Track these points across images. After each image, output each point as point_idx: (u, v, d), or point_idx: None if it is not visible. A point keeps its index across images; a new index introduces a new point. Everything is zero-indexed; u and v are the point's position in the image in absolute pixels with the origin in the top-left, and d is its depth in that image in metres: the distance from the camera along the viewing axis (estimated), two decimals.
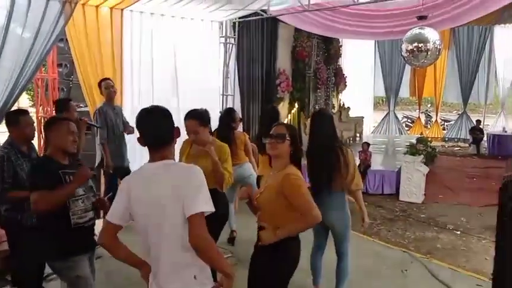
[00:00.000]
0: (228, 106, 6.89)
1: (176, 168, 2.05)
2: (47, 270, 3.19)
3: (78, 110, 6.41)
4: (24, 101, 14.30)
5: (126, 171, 5.15)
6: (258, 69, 7.83)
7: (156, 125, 2.05)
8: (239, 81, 7.27)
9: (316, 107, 10.08)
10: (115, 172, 4.97)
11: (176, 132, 2.08)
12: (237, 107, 6.96)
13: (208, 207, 1.93)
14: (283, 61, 8.56)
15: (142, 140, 2.06)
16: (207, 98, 6.51)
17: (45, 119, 3.66)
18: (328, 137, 3.44)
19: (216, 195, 3.41)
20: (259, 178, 3.98)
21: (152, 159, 2.06)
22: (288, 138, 2.52)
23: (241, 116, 6.62)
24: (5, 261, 3.59)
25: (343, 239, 3.53)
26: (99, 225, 2.48)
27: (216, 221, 3.39)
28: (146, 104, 5.89)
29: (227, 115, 4.81)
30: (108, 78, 5.10)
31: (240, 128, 5.41)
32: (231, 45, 6.97)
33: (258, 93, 7.88)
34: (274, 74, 8.16)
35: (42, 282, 3.60)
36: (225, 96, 7.02)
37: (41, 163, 2.82)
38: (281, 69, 8.35)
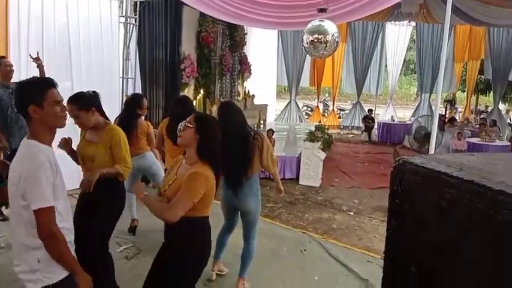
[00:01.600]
0: (128, 89, 6.60)
1: (25, 153, 2.00)
2: None
3: None
4: None
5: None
6: (162, 53, 7.57)
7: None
8: (140, 64, 6.98)
9: (224, 95, 10.10)
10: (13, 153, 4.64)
11: (32, 110, 1.97)
12: (138, 91, 6.69)
13: (44, 203, 1.91)
14: (188, 46, 8.39)
15: None
16: (105, 81, 6.16)
17: None
18: (242, 125, 3.48)
19: (114, 186, 3.26)
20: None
21: None
22: (189, 125, 2.42)
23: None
24: None
25: (254, 224, 3.62)
26: None
27: (112, 212, 3.24)
28: None
29: (133, 101, 4.57)
30: (4, 57, 4.78)
31: None
32: (131, 25, 6.64)
33: (161, 78, 7.63)
34: (178, 58, 7.96)
35: None
36: (125, 80, 6.69)
37: None
38: (186, 54, 8.17)
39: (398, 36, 14.25)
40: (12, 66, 4.75)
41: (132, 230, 4.73)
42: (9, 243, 4.34)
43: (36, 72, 4.89)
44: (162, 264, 2.56)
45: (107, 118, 3.24)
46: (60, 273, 2.01)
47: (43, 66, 4.80)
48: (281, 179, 7.57)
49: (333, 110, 15.53)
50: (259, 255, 4.09)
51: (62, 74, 5.62)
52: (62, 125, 2.08)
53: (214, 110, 9.20)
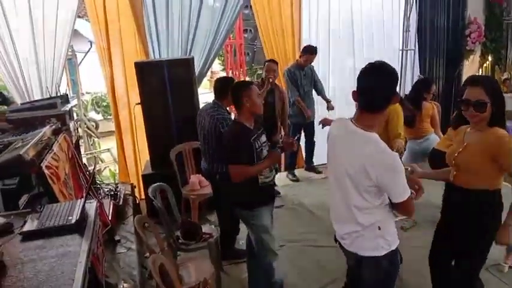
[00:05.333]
0: (407, 62, 6.54)
1: (372, 148, 1.92)
2: None
3: (259, 72, 6.92)
4: (216, 66, 15.86)
5: (310, 125, 5.56)
6: (443, 20, 7.08)
7: (370, 87, 1.94)
8: (419, 35, 6.75)
9: None
10: (299, 126, 5.45)
11: (395, 99, 1.95)
12: (417, 63, 6.55)
13: (407, 194, 1.96)
14: (475, 8, 7.55)
15: (355, 96, 2.00)
16: (385, 55, 6.27)
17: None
18: None
19: None
20: (435, 152, 3.74)
21: (356, 118, 2.02)
22: (485, 101, 2.17)
23: (419, 74, 6.27)
24: (207, 203, 4.21)
25: None
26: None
27: None
28: (322, 64, 6.15)
29: (422, 84, 4.64)
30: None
31: None
32: None
33: (442, 47, 7.17)
34: (463, 24, 7.30)
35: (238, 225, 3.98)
36: (404, 52, 6.63)
37: (239, 133, 2.81)
38: (471, 18, 7.41)
39: None
40: None
41: None
42: (300, 202, 5.07)
43: (322, 51, 5.45)
44: (449, 233, 2.51)
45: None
46: (397, 239, 2.16)
47: None
48: None
49: None
50: None
51: (344, 52, 6.05)
52: None
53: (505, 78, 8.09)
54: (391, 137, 3.47)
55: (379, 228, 2.06)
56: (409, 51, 6.66)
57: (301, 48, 5.45)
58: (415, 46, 6.67)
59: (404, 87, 6.54)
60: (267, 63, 4.85)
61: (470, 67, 7.38)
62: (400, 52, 6.61)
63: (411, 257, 2.82)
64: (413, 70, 6.76)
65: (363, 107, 1.98)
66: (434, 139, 4.47)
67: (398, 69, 6.41)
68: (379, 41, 6.37)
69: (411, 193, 2.04)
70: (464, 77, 7.25)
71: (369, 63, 1.97)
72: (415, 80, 6.55)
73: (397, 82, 1.99)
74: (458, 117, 3.44)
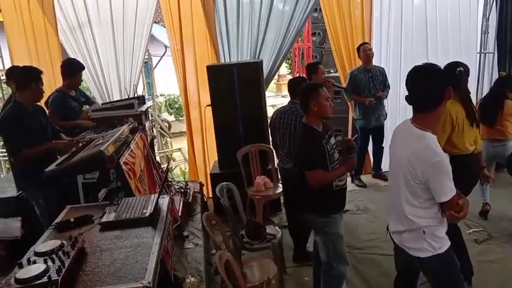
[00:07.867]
0: (485, 65, 6.18)
1: (422, 146, 1.98)
2: None
3: (329, 75, 6.89)
4: (282, 69, 15.97)
5: (379, 130, 5.44)
6: None
7: (417, 86, 2.03)
8: (499, 37, 6.32)
9: None
10: (367, 130, 5.40)
11: (445, 97, 1.99)
12: (495, 67, 6.15)
13: (450, 196, 1.97)
14: None
15: (407, 99, 2.07)
16: (461, 57, 5.95)
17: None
18: None
19: (470, 159, 3.20)
20: None
21: (412, 118, 2.09)
22: None
23: (502, 72, 5.88)
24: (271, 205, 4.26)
25: None
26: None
27: (466, 182, 3.16)
28: (393, 67, 5.93)
29: (506, 80, 4.46)
30: (367, 43, 5.34)
31: None
32: None
33: None
34: None
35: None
36: (482, 55, 6.26)
37: (310, 138, 2.75)
38: None
39: None
40: (371, 50, 5.27)
41: (484, 214, 4.49)
42: (366, 207, 4.98)
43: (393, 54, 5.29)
44: None
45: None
46: (445, 244, 2.13)
47: None
48: None
49: None
50: None
51: (417, 53, 5.82)
52: None
53: None
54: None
55: (424, 232, 2.09)
56: (487, 54, 6.28)
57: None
58: (494, 49, 6.27)
59: (482, 92, 6.17)
60: (321, 66, 4.59)
61: None
62: (478, 55, 6.26)
63: (484, 272, 2.64)
64: (491, 74, 6.34)
65: (414, 108, 2.07)
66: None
67: (475, 73, 6.08)
68: (455, 43, 6.04)
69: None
70: None
71: (414, 66, 2.05)
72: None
73: (443, 80, 2.00)
74: None
